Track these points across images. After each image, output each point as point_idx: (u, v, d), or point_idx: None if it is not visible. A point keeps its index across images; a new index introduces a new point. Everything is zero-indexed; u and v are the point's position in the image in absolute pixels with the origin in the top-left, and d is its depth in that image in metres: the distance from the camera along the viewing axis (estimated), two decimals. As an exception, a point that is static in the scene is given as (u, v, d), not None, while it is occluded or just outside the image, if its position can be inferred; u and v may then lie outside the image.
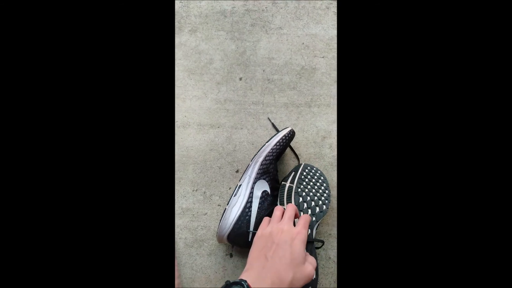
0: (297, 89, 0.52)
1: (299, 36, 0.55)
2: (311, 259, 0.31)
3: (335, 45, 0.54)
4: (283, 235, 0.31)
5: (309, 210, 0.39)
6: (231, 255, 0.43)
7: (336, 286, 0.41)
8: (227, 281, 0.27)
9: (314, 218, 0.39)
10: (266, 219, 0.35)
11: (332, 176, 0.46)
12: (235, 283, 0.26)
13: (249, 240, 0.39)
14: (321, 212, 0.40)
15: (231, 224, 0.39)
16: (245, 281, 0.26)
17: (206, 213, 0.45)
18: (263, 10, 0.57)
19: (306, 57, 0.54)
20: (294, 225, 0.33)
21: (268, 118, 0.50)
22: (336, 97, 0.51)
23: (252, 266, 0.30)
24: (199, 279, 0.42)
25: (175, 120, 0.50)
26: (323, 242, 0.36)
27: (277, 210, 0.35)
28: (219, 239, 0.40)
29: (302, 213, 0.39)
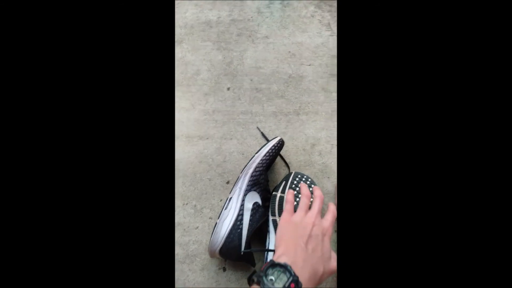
0: (285, 97, 0.52)
1: (285, 45, 0.56)
2: (334, 254, 0.32)
3: (321, 53, 0.55)
4: (316, 229, 0.31)
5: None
6: (224, 269, 0.43)
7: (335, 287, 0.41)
8: (271, 260, 0.27)
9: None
10: (289, 201, 0.35)
11: (322, 183, 0.47)
12: (280, 265, 0.26)
13: (241, 254, 0.38)
14: (312, 221, 0.39)
15: (222, 238, 0.38)
16: (290, 267, 0.26)
17: (197, 227, 0.44)
18: (248, 19, 0.58)
19: (293, 66, 0.54)
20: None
21: (257, 128, 0.50)
22: (323, 105, 0.51)
23: (290, 251, 0.29)
24: (192, 295, 0.42)
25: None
26: None
27: (305, 197, 0.35)
28: (211, 254, 0.39)
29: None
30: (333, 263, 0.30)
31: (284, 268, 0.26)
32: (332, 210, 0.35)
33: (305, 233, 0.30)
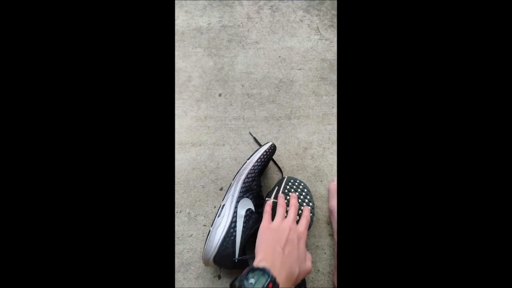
0: (276, 102, 0.52)
1: (275, 50, 0.56)
2: (309, 255, 0.35)
3: (311, 57, 0.56)
4: (292, 233, 0.34)
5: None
6: (219, 277, 0.42)
7: (326, 299, 0.41)
8: (251, 265, 0.29)
9: (299, 233, 0.39)
10: (267, 211, 0.37)
11: (315, 187, 0.47)
12: (259, 269, 0.28)
13: (235, 261, 0.38)
14: (306, 225, 0.40)
15: (216, 246, 0.38)
16: (268, 269, 0.28)
17: (191, 235, 0.44)
18: (238, 25, 0.58)
19: (283, 70, 0.55)
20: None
21: (250, 133, 0.50)
22: (314, 108, 0.52)
23: (268, 256, 0.31)
24: (187, 304, 0.41)
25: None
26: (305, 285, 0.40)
27: (281, 207, 0.38)
28: (205, 262, 0.39)
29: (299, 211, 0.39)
30: (308, 264, 0.33)
31: (263, 271, 0.28)
32: (305, 215, 0.38)
33: (282, 237, 0.33)
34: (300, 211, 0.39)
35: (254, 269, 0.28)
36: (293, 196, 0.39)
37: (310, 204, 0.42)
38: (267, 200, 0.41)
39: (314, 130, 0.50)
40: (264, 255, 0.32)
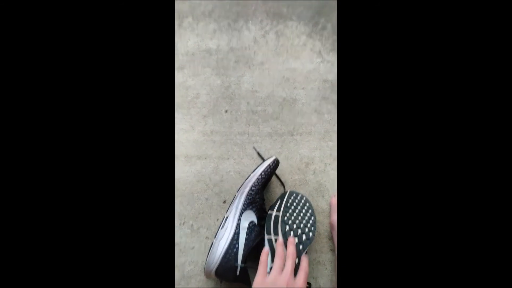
0: (280, 119, 0.55)
1: (279, 71, 0.60)
2: None
3: (313, 77, 0.59)
4: None
5: (296, 239, 0.40)
6: (220, 291, 0.42)
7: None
8: None
9: (301, 247, 0.39)
10: (263, 262, 0.35)
11: (317, 201, 0.47)
12: None
13: (237, 274, 0.38)
14: (307, 239, 0.40)
15: (218, 258, 0.38)
16: None
17: (193, 247, 0.45)
18: (245, 48, 0.62)
19: (287, 89, 0.58)
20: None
21: (254, 148, 0.52)
22: (316, 126, 0.54)
23: None
24: (186, 319, 0.41)
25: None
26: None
27: (279, 258, 0.35)
28: (207, 274, 0.39)
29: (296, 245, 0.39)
30: None
31: None
32: (304, 268, 0.36)
33: None
34: (297, 260, 0.37)
35: None
36: (291, 242, 0.37)
37: (312, 218, 0.43)
38: (269, 212, 0.42)
39: (316, 147, 0.52)
40: None
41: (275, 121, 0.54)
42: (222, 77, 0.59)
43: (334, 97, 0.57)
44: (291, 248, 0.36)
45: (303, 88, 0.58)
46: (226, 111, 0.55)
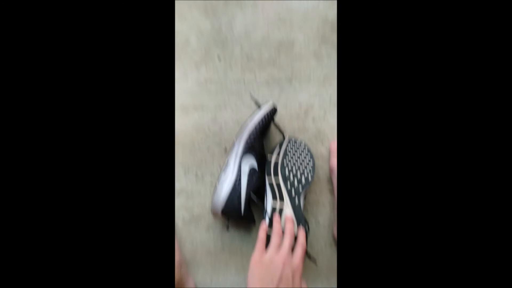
0: (277, 64, 0.52)
1: (274, 10, 0.54)
2: (304, 285, 0.34)
3: (312, 17, 0.54)
4: (286, 268, 0.32)
5: (295, 181, 0.42)
6: (227, 228, 0.46)
7: (325, 248, 0.46)
8: None
9: (301, 188, 0.42)
10: (261, 239, 0.35)
11: (316, 148, 0.49)
12: None
13: (241, 213, 0.42)
14: (307, 181, 0.43)
15: (223, 199, 0.41)
16: None
17: (200, 192, 0.47)
18: (236, -18, 0.55)
19: (283, 31, 0.53)
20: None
21: (250, 94, 0.50)
22: (315, 71, 0.52)
23: None
24: (200, 251, 0.46)
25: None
26: (315, 260, 0.40)
27: (276, 235, 0.35)
28: (214, 214, 0.43)
29: (292, 189, 0.41)
30: None
31: None
32: (301, 243, 0.36)
33: (276, 274, 0.31)
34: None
35: None
36: (289, 220, 0.37)
37: (311, 162, 0.45)
38: (269, 156, 0.43)
39: (315, 93, 0.51)
40: None
41: (271, 67, 0.52)
42: (211, 19, 0.53)
43: (334, 38, 0.53)
44: (289, 225, 0.36)
45: (300, 29, 0.53)
46: (219, 58, 0.52)
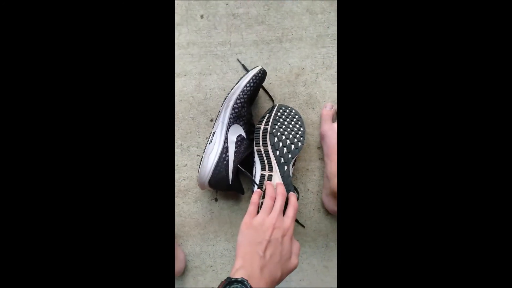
0: (266, 23, 0.47)
1: (263, -44, 0.47)
2: (296, 248, 0.33)
3: (305, -35, 0.47)
4: (276, 232, 0.31)
5: (285, 148, 0.40)
6: (216, 200, 0.45)
7: (313, 215, 0.46)
8: (228, 277, 0.28)
9: (290, 155, 0.40)
10: (254, 202, 0.35)
11: (307, 114, 0.46)
12: (237, 281, 0.27)
13: (230, 183, 0.40)
14: (296, 149, 0.40)
15: (210, 170, 0.39)
16: (247, 281, 0.27)
17: (186, 164, 0.45)
18: None
19: (273, -17, 0.47)
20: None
21: (238, 60, 0.46)
22: (308, 29, 0.47)
23: (247, 262, 0.30)
24: (188, 223, 0.45)
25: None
26: (298, 194, 0.40)
27: (269, 198, 0.35)
28: (201, 186, 0.41)
29: (281, 157, 0.39)
30: (293, 261, 0.32)
31: (241, 283, 0.27)
32: (292, 203, 0.35)
33: (264, 238, 0.31)
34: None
35: (232, 282, 0.27)
36: (279, 184, 0.37)
37: (301, 129, 0.42)
38: (257, 126, 0.41)
39: (307, 54, 0.47)
40: (243, 261, 0.30)
41: (260, 26, 0.47)
42: (191, -30, 0.47)
43: (330, -10, 0.47)
44: (281, 187, 0.36)
45: (293, -19, 0.47)
46: (202, 17, 0.47)
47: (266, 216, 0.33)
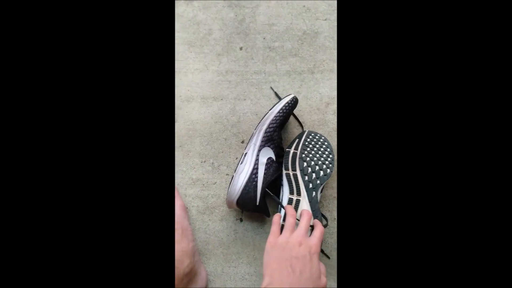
0: (299, 55, 0.50)
1: (299, -1, 0.52)
2: (323, 268, 0.32)
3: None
4: (302, 248, 0.30)
5: (314, 174, 0.40)
6: (241, 220, 0.46)
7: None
8: None
9: (318, 181, 0.40)
10: (276, 222, 0.34)
11: (336, 142, 0.47)
12: None
13: (257, 205, 0.41)
14: (325, 175, 0.41)
15: (239, 190, 0.41)
16: None
17: (215, 183, 0.47)
18: (260, -28, 0.54)
19: (307, 21, 0.52)
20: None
21: (271, 87, 0.49)
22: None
23: (275, 279, 0.29)
24: (212, 241, 0.46)
25: (179, 95, 0.50)
26: (327, 221, 0.39)
27: (290, 216, 0.34)
28: (229, 204, 0.42)
29: (309, 182, 0.39)
30: (322, 280, 0.30)
31: None
32: (319, 226, 0.34)
33: (292, 254, 0.30)
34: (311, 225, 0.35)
35: None
36: (305, 210, 0.36)
37: (330, 156, 0.43)
38: (287, 150, 0.42)
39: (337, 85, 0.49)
40: (271, 278, 0.29)
41: (293, 58, 0.50)
42: (235, 9, 0.53)
43: (361, 28, 0.50)
44: (306, 212, 0.35)
45: (325, 19, 0.51)
46: (241, 48, 0.51)
47: (290, 234, 0.32)
